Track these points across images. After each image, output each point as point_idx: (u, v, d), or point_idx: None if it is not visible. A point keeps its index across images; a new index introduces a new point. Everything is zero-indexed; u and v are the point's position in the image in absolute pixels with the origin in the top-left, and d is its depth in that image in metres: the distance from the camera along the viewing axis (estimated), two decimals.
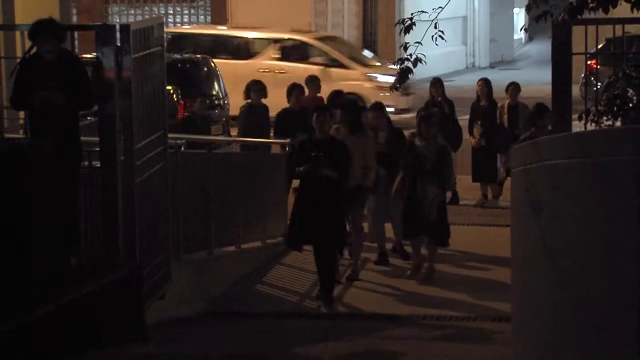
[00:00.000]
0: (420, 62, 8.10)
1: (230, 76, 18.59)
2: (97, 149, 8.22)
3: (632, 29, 9.24)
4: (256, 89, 13.62)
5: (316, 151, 9.82)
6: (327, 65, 20.94)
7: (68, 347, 7.05)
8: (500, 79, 19.54)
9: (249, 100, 13.64)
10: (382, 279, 10.67)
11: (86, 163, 8.35)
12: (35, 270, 7.07)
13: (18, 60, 8.05)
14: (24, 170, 7.13)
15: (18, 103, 7.90)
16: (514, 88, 13.78)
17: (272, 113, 13.55)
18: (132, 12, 28.57)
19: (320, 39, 23.23)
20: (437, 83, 13.79)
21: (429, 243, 10.64)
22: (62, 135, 7.65)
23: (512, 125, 13.47)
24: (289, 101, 13.18)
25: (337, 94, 12.80)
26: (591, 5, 7.25)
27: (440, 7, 8.20)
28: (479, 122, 13.79)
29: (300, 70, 19.52)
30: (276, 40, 22.39)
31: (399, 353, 7.78)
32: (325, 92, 13.49)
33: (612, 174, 3.91)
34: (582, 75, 12.86)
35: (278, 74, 20.47)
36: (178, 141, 10.77)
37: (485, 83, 13.88)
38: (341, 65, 21.23)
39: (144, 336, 7.84)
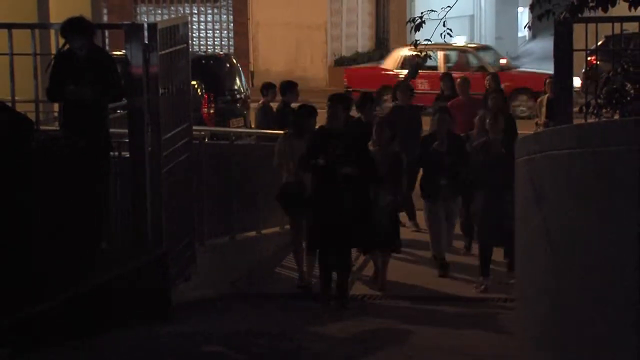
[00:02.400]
0: (430, 58, 8.09)
1: None
2: (127, 140, 8.24)
3: (630, 27, 9.19)
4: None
5: (333, 143, 8.84)
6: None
7: (99, 324, 7.08)
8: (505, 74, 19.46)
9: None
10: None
11: (117, 153, 8.38)
12: (69, 252, 7.10)
13: (52, 56, 8.08)
14: (59, 160, 7.16)
15: (53, 96, 7.95)
16: (550, 82, 13.34)
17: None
18: (159, 11, 28.61)
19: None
20: (446, 77, 13.74)
21: (382, 251, 9.61)
22: (92, 127, 7.68)
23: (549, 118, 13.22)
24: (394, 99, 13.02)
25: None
26: (591, 4, 7.22)
27: (448, 7, 8.18)
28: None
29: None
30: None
31: (409, 332, 7.78)
32: None
33: (611, 163, 3.90)
34: (583, 70, 12.81)
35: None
36: (202, 133, 10.80)
37: (493, 77, 13.81)
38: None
39: (170, 315, 7.87)
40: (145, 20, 26.77)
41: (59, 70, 7.78)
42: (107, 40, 9.63)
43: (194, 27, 27.68)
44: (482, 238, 9.77)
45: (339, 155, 8.70)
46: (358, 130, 9.74)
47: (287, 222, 10.40)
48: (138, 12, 28.79)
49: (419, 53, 8.11)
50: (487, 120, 9.70)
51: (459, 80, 13.04)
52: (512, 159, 8.99)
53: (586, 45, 8.99)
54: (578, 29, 8.82)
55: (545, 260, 4.61)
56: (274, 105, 13.12)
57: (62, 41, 7.95)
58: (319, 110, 9.84)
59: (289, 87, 12.59)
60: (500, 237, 9.18)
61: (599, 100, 8.45)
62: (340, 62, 28.24)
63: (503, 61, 23.88)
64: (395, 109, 12.19)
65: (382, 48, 30.54)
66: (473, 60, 22.97)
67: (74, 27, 7.77)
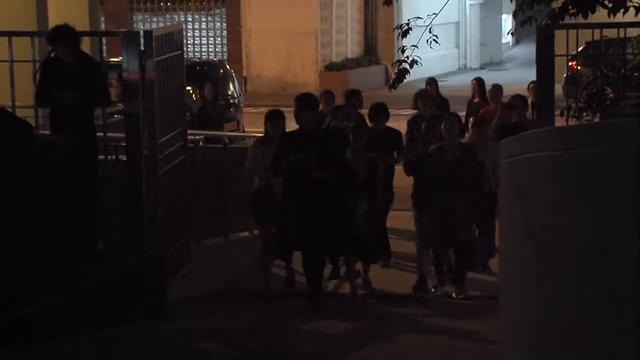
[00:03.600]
0: (417, 64, 8.10)
1: None
2: (124, 144, 8.23)
3: (609, 33, 9.22)
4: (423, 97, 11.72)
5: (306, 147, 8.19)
6: None
7: (97, 322, 7.08)
8: (490, 79, 19.42)
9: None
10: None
11: (114, 156, 8.38)
12: (67, 251, 7.10)
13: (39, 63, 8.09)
14: (56, 163, 7.16)
15: (40, 100, 7.96)
16: (534, 86, 13.22)
17: None
18: (155, 19, 28.56)
19: None
20: (432, 82, 13.69)
21: (359, 260, 9.10)
22: (78, 131, 7.67)
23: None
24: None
25: (353, 92, 12.16)
26: (572, 11, 7.24)
27: (434, 14, 8.19)
28: (472, 118, 13.73)
29: None
30: None
31: (397, 330, 7.78)
32: None
33: (591, 165, 3.90)
34: (564, 75, 12.82)
35: None
36: (196, 137, 10.79)
37: (478, 82, 13.81)
38: None
39: (166, 313, 7.86)
40: (142, 27, 26.73)
41: (47, 76, 7.79)
42: (104, 47, 9.60)
43: (188, 34, 27.65)
44: (432, 246, 9.16)
45: (310, 158, 8.15)
46: (333, 133, 8.96)
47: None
48: (134, 19, 28.75)
49: (405, 59, 8.10)
50: (443, 126, 9.01)
51: (491, 87, 12.61)
52: (468, 165, 8.73)
53: (567, 51, 9.02)
54: (559, 35, 8.84)
55: (528, 259, 4.62)
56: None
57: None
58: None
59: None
60: (453, 243, 8.88)
61: (579, 104, 8.48)
62: (330, 67, 28.27)
63: None
64: (416, 119, 10.95)
65: (370, 54, 30.57)
66: None
67: (59, 35, 7.78)
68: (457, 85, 24.15)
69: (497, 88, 12.65)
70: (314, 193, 8.11)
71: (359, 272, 9.25)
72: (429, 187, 8.88)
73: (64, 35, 7.76)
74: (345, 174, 8.29)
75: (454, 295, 8.91)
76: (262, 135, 9.23)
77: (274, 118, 9.02)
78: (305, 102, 8.60)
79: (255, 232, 10.59)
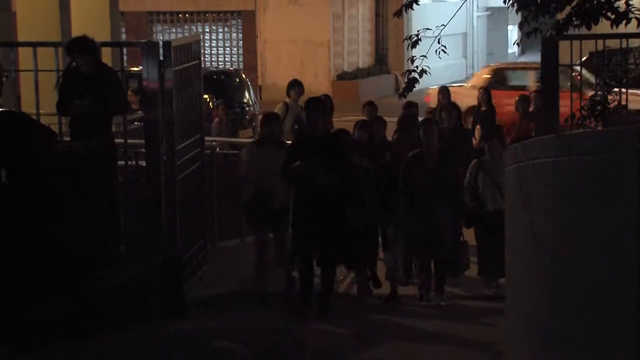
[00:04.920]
0: (426, 73, 8.08)
1: None
2: (143, 150, 8.26)
3: (612, 44, 9.20)
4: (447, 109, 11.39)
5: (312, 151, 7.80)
6: None
7: (118, 320, 7.10)
8: None
9: None
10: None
11: (134, 162, 8.40)
12: (89, 252, 7.13)
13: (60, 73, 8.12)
14: (77, 167, 7.20)
15: (61, 110, 7.98)
16: (535, 95, 13.07)
17: None
18: (174, 30, 28.64)
19: None
20: (444, 90, 13.57)
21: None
22: (96, 138, 7.69)
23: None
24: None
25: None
26: (575, 22, 7.22)
27: (443, 25, 8.17)
28: (479, 126, 13.68)
29: None
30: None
31: (406, 327, 7.77)
32: None
33: (593, 171, 3.90)
34: (568, 84, 12.79)
35: None
36: (213, 143, 10.81)
37: (485, 91, 13.78)
38: None
39: (184, 312, 7.87)
40: (161, 38, 26.81)
41: (66, 85, 7.81)
42: (125, 57, 9.64)
43: (206, 44, 27.70)
44: (416, 255, 8.92)
45: (314, 163, 7.75)
46: (339, 138, 8.51)
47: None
48: (154, 30, 28.83)
49: (415, 69, 8.08)
50: (422, 132, 8.76)
51: (517, 98, 12.25)
52: (447, 171, 8.35)
53: (571, 61, 9.01)
54: (563, 46, 8.83)
55: (532, 258, 4.62)
56: None
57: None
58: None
59: None
60: (434, 250, 8.54)
61: (582, 112, 8.46)
62: (343, 76, 28.27)
63: None
64: (441, 133, 9.87)
65: (381, 64, 30.56)
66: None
67: (77, 46, 7.80)
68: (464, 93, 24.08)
69: (523, 97, 12.29)
70: (315, 199, 7.80)
71: (373, 275, 9.08)
72: (411, 194, 8.53)
73: (82, 47, 7.78)
74: (349, 180, 7.96)
75: (434, 302, 8.57)
76: (257, 139, 9.02)
77: (270, 122, 8.81)
78: (314, 106, 8.23)
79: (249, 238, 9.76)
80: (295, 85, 12.32)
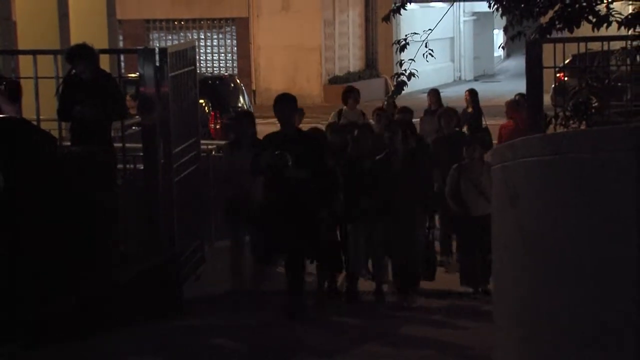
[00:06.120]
0: (414, 76, 8.08)
1: None
2: (141, 153, 8.24)
3: (594, 46, 9.21)
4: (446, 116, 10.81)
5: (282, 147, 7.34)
6: None
7: (118, 318, 7.09)
8: (483, 90, 19.45)
9: None
10: None
11: (132, 166, 8.39)
12: (88, 252, 7.12)
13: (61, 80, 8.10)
14: (76, 171, 7.19)
15: (62, 115, 7.96)
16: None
17: None
18: (170, 37, 28.60)
19: None
20: (432, 92, 13.53)
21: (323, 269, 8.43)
22: (96, 142, 7.67)
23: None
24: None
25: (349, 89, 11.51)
26: (558, 26, 7.23)
27: (430, 29, 8.18)
28: (466, 127, 13.69)
29: None
30: None
31: (401, 324, 7.76)
32: None
33: (577, 169, 3.90)
34: (552, 86, 12.80)
35: None
36: (209, 146, 10.79)
37: (471, 93, 13.78)
38: None
39: (182, 310, 7.85)
40: (157, 45, 26.77)
41: (66, 92, 7.80)
42: (122, 64, 9.61)
43: (201, 50, 27.68)
44: (395, 258, 8.59)
45: (284, 157, 7.28)
46: (312, 137, 8.13)
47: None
48: (150, 37, 28.79)
49: (403, 72, 8.08)
50: (386, 134, 8.54)
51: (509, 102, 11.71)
52: (414, 176, 8.08)
53: (554, 63, 9.02)
54: (547, 49, 8.84)
55: (518, 255, 4.61)
56: None
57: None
58: (313, 124, 9.35)
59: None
60: (407, 253, 8.30)
61: (566, 113, 8.47)
62: (334, 80, 28.30)
63: None
64: (441, 139, 10.01)
65: (371, 68, 30.59)
66: None
67: (77, 53, 7.78)
68: (452, 96, 24.13)
69: (515, 102, 11.52)
70: (285, 193, 7.37)
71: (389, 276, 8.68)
72: (380, 197, 8.25)
73: (82, 54, 7.77)
74: (322, 177, 7.54)
75: (405, 304, 8.28)
76: (231, 140, 8.85)
77: (243, 121, 8.68)
78: (286, 102, 7.69)
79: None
80: (353, 92, 11.59)
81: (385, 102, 12.14)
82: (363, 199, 8.27)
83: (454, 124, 10.23)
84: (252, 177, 7.76)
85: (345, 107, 11.58)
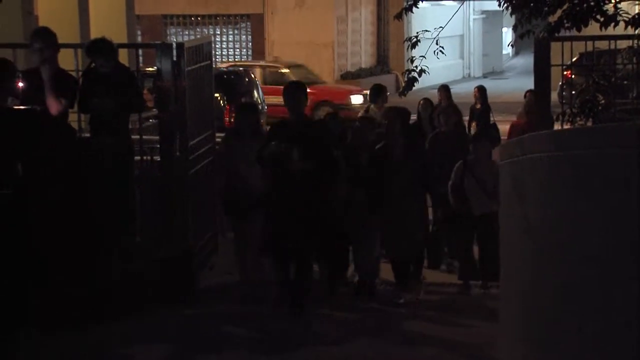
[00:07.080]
0: (425, 73, 8.07)
1: None
2: (158, 146, 8.25)
3: (601, 45, 9.17)
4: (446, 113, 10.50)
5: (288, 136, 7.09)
6: None
7: (135, 307, 7.12)
8: (491, 87, 19.41)
9: None
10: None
11: (149, 158, 8.40)
12: (107, 241, 7.16)
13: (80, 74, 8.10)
14: (95, 162, 7.22)
15: (82, 108, 7.97)
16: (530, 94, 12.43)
17: None
18: (187, 32, 28.63)
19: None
20: (442, 88, 13.42)
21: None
22: (113, 134, 7.68)
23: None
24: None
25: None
26: (566, 25, 7.20)
27: (441, 27, 8.16)
28: (475, 123, 13.65)
29: None
30: None
31: (405, 317, 7.75)
32: None
33: (584, 165, 3.89)
34: (560, 83, 12.75)
35: None
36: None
37: (480, 90, 13.73)
38: None
39: (195, 299, 7.87)
40: (174, 40, 26.80)
41: (86, 85, 7.81)
42: (140, 58, 9.62)
43: (217, 45, 27.70)
44: (390, 254, 8.26)
45: (290, 152, 7.08)
46: (320, 127, 7.98)
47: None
48: (168, 32, 28.82)
49: (414, 69, 8.06)
50: (383, 121, 8.22)
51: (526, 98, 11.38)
52: (413, 166, 7.69)
53: (562, 61, 8.99)
54: (555, 47, 8.81)
55: (524, 250, 4.60)
56: None
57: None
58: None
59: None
60: (407, 248, 7.98)
61: (573, 110, 8.43)
62: (346, 76, 28.28)
63: None
64: (438, 136, 9.68)
65: (382, 64, 30.55)
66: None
67: (96, 48, 7.79)
68: (460, 92, 24.09)
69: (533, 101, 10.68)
70: (290, 184, 7.14)
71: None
72: (379, 189, 7.91)
73: (101, 48, 7.78)
74: (329, 170, 7.32)
75: (401, 301, 7.93)
76: (233, 129, 8.67)
77: (245, 111, 8.54)
78: (295, 89, 7.47)
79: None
80: (383, 92, 10.96)
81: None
82: (358, 191, 7.96)
83: (453, 121, 9.89)
84: (259, 166, 7.57)
85: (372, 106, 11.29)
